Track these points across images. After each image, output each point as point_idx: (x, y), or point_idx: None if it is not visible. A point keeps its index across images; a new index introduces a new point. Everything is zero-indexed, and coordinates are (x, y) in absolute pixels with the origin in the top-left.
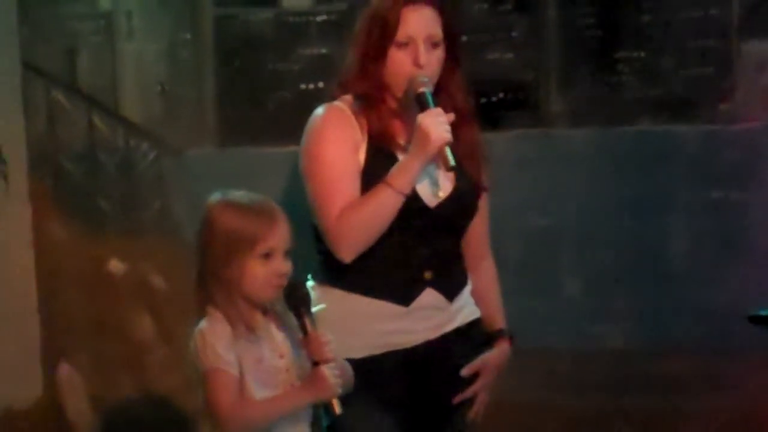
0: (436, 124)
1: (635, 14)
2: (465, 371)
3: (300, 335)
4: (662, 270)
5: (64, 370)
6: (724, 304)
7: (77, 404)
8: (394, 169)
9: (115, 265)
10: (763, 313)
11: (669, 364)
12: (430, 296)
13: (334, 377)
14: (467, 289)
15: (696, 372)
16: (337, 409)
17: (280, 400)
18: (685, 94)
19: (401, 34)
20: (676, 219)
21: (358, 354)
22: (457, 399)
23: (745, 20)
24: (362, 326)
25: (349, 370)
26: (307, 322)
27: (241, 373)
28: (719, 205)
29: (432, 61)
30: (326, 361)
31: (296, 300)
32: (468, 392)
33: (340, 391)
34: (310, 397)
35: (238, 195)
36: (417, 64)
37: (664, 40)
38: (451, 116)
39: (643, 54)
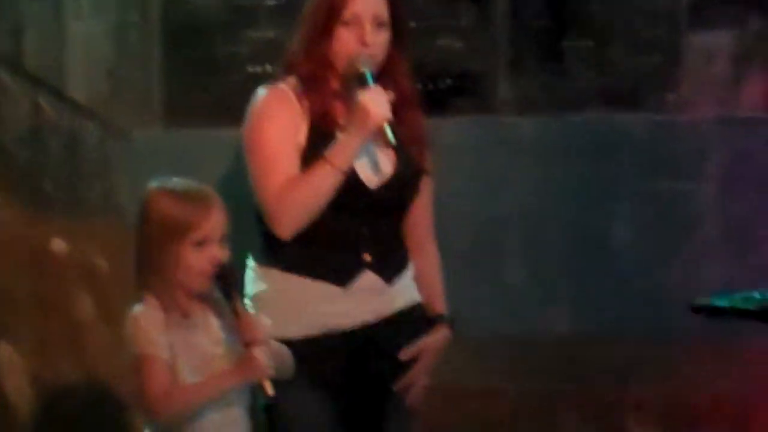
0: (376, 101)
1: (584, 3)
2: (403, 355)
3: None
4: (607, 258)
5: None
6: (667, 292)
7: (17, 384)
8: (332, 146)
9: (58, 245)
10: (705, 302)
11: (613, 350)
12: (368, 278)
13: (265, 358)
14: (408, 273)
15: (639, 359)
16: (269, 390)
17: (211, 383)
18: (632, 83)
19: (347, 13)
20: (622, 207)
21: (297, 335)
22: (397, 386)
23: (693, 11)
24: (300, 307)
25: (285, 354)
26: (238, 303)
27: (174, 360)
28: (665, 195)
29: (377, 41)
30: (257, 343)
31: (226, 282)
32: (407, 378)
33: (272, 372)
34: (240, 378)
35: (175, 182)
36: (363, 42)
37: (612, 29)
38: (391, 95)
39: (591, 43)
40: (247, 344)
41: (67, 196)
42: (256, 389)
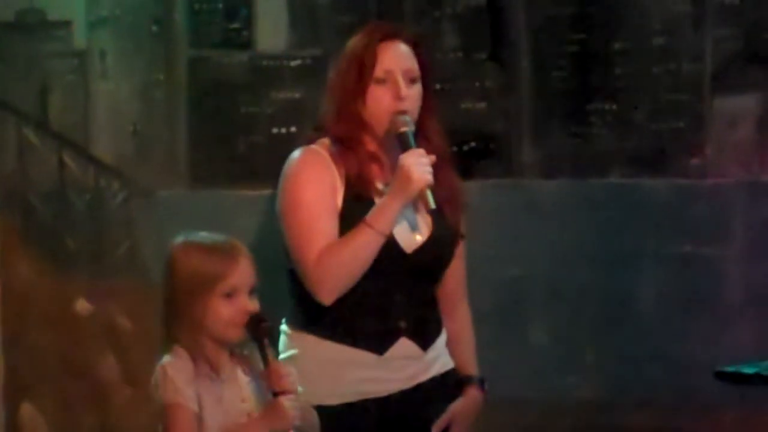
0: (418, 164)
1: (608, 67)
2: (435, 429)
3: (260, 370)
4: (631, 322)
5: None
6: (691, 358)
7: None
8: (373, 210)
9: (82, 305)
10: (730, 369)
11: (635, 416)
12: (404, 346)
13: (293, 409)
14: (442, 338)
15: (662, 425)
16: None
17: (238, 431)
18: (656, 147)
19: (379, 70)
20: (646, 272)
21: (332, 401)
22: None
23: (717, 75)
24: (336, 374)
25: (311, 412)
26: (269, 353)
27: (200, 412)
28: (688, 259)
29: (411, 95)
30: (286, 393)
31: (258, 331)
32: None
33: (297, 422)
34: (267, 427)
35: (200, 236)
36: (398, 97)
37: (636, 93)
38: (433, 158)
39: (615, 107)
40: (276, 393)
41: (91, 254)
42: None
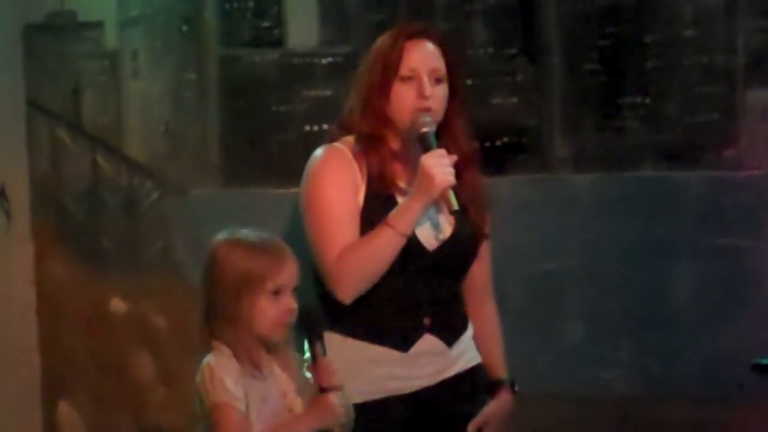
0: (440, 165)
1: (640, 60)
2: (471, 428)
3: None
4: (665, 316)
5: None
6: (727, 351)
7: None
8: (395, 211)
9: (117, 305)
10: (767, 361)
11: (672, 410)
12: (429, 342)
13: (340, 405)
14: (468, 334)
15: (698, 418)
16: None
17: (287, 428)
18: (689, 140)
19: (404, 68)
20: (680, 264)
21: (357, 399)
22: None
23: (750, 67)
24: (361, 371)
25: (350, 406)
26: (318, 347)
27: (247, 410)
28: (723, 252)
29: (436, 94)
30: (333, 388)
31: (311, 325)
32: None
33: (343, 420)
34: (315, 423)
35: (246, 233)
36: (422, 95)
37: (668, 86)
38: (454, 158)
39: (647, 100)
40: (323, 389)
41: (124, 253)
42: None
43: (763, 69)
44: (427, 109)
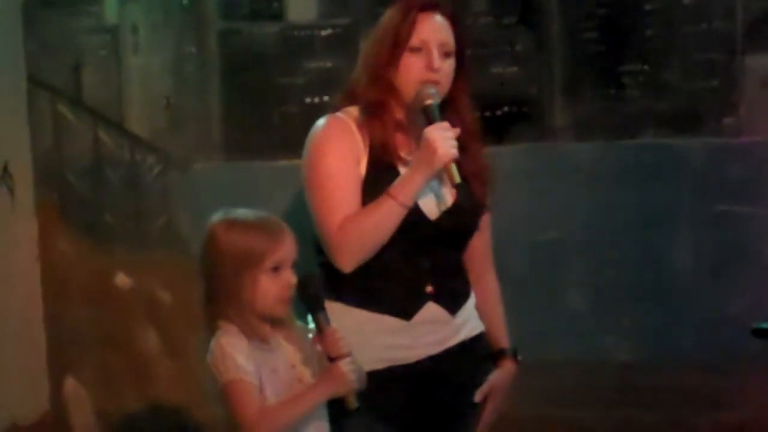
0: (443, 138)
1: (639, 28)
2: (478, 397)
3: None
4: (667, 283)
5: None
6: (728, 317)
7: (83, 418)
8: (397, 181)
9: (122, 279)
10: (767, 326)
11: (674, 377)
12: (432, 310)
13: (351, 372)
14: (470, 303)
15: (701, 385)
16: (354, 403)
17: (302, 399)
18: (689, 107)
19: (415, 39)
20: (681, 232)
21: None
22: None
23: (749, 33)
24: (364, 341)
25: (361, 366)
26: (322, 318)
27: (260, 384)
28: (724, 219)
29: (444, 68)
30: (342, 357)
31: (310, 295)
32: (481, 420)
33: (356, 385)
34: (328, 392)
35: (241, 212)
36: (430, 67)
37: (668, 53)
38: (457, 131)
39: (647, 67)
40: (332, 358)
41: (128, 229)
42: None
43: (762, 35)
44: (435, 82)
